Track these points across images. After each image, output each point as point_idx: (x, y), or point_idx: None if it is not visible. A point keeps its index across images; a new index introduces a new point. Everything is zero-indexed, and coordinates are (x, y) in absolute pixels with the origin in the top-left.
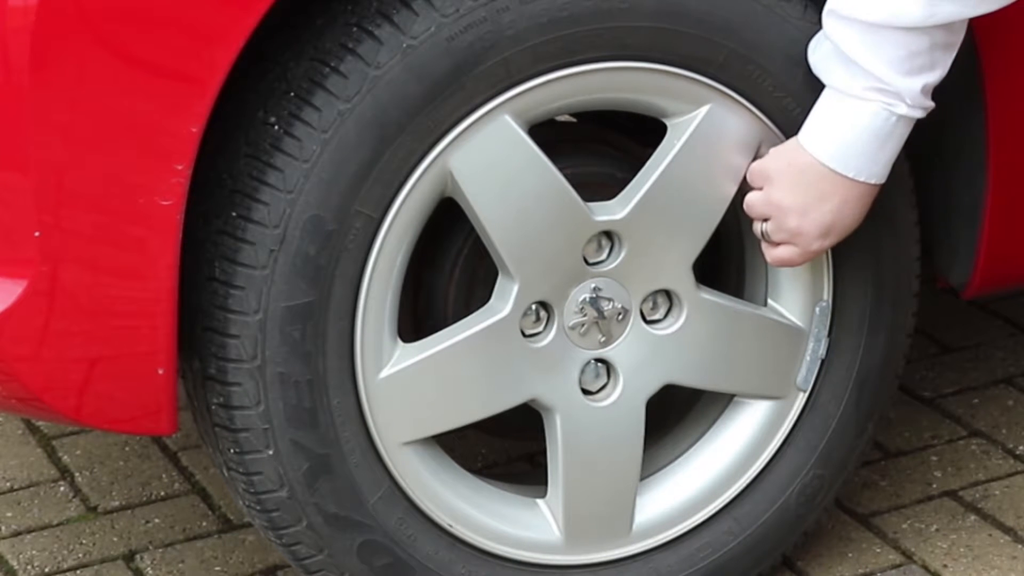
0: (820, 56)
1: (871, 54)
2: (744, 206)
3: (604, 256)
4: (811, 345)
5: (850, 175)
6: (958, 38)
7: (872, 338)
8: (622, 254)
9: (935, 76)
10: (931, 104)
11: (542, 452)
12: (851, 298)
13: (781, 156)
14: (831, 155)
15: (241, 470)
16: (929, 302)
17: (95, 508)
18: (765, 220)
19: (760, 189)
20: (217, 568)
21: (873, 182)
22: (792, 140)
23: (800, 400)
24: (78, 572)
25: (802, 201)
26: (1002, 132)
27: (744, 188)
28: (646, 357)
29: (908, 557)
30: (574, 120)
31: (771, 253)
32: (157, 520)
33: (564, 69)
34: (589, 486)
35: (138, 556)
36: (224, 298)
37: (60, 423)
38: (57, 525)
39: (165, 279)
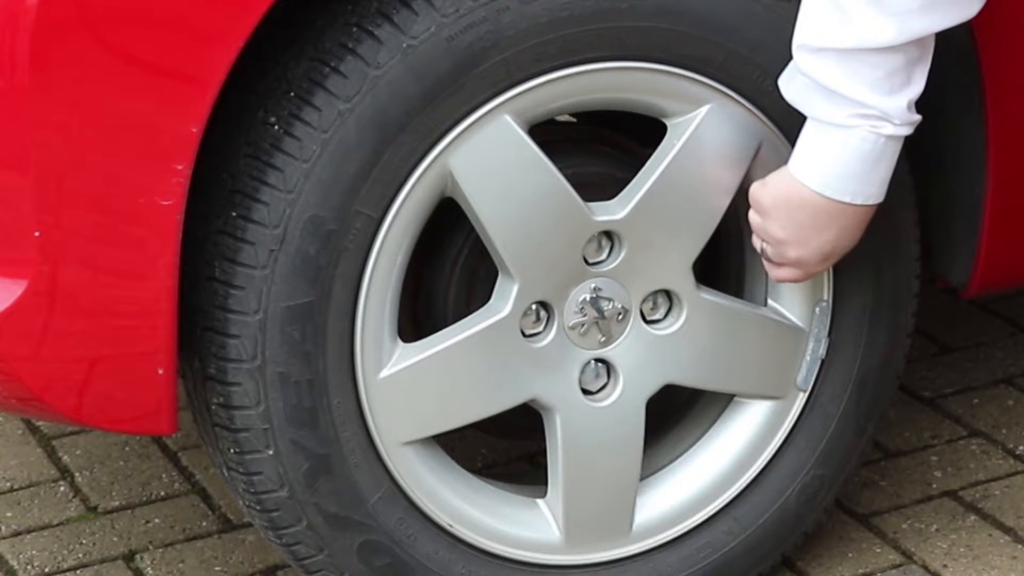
0: (796, 90)
1: (850, 80)
2: (751, 222)
3: (604, 256)
4: (811, 345)
5: (847, 200)
6: (930, 51)
7: (872, 338)
8: (622, 254)
9: (915, 90)
10: (917, 118)
11: (542, 452)
12: (851, 298)
13: (775, 187)
14: (824, 184)
15: (241, 470)
16: (929, 302)
17: (95, 508)
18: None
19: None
20: (217, 568)
21: (871, 203)
22: (784, 171)
23: (800, 400)
24: (78, 572)
25: (800, 235)
26: (1002, 132)
27: (744, 189)
28: (646, 357)
29: (908, 557)
30: (574, 120)
31: (773, 272)
32: (157, 520)
33: (564, 69)
34: (589, 486)
35: (138, 556)
36: (224, 298)
37: (60, 423)
38: (57, 525)
39: (165, 279)
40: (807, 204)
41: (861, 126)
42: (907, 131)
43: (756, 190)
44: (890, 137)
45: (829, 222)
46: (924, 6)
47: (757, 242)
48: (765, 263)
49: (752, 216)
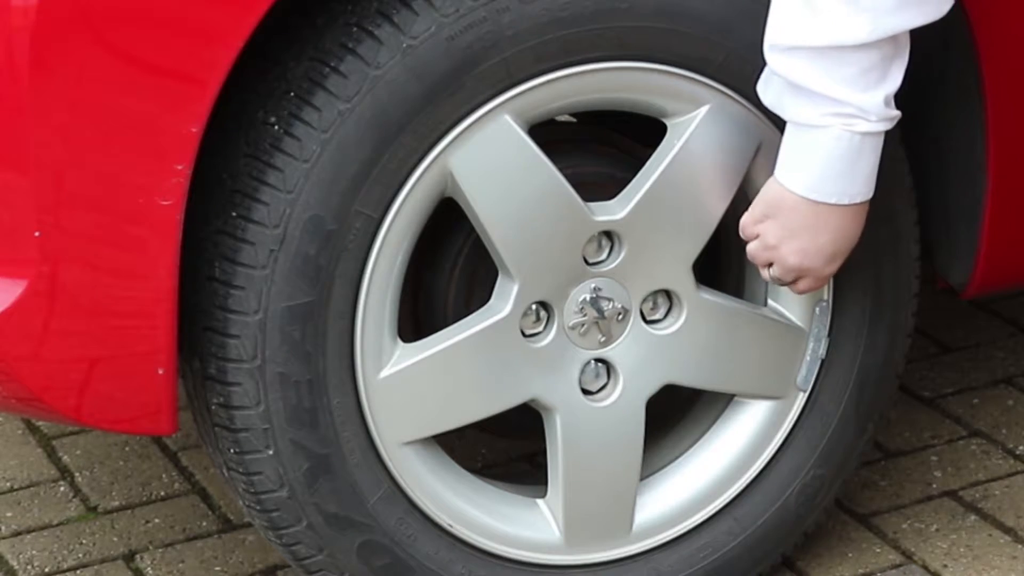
0: (772, 94)
1: (824, 78)
2: (748, 257)
3: (604, 256)
4: (811, 345)
5: (831, 201)
6: (906, 47)
7: (872, 338)
8: (622, 254)
9: (892, 86)
10: (896, 113)
11: (542, 452)
12: (851, 298)
13: (764, 201)
14: (808, 187)
15: (241, 470)
16: (929, 302)
17: (95, 508)
18: (770, 265)
19: (756, 237)
20: (217, 568)
21: (859, 201)
22: (770, 180)
23: (800, 400)
24: (78, 572)
25: (796, 241)
26: (1002, 132)
27: (744, 188)
28: (646, 357)
29: (908, 557)
30: (574, 120)
31: (793, 289)
32: (157, 520)
33: (564, 69)
34: (589, 486)
35: (138, 556)
36: (224, 298)
37: (60, 423)
38: (57, 525)
39: (165, 279)
40: (796, 209)
41: (835, 125)
42: (884, 127)
43: (744, 216)
44: (866, 134)
45: (821, 225)
46: (897, 4)
47: (764, 273)
48: (783, 287)
49: (750, 248)
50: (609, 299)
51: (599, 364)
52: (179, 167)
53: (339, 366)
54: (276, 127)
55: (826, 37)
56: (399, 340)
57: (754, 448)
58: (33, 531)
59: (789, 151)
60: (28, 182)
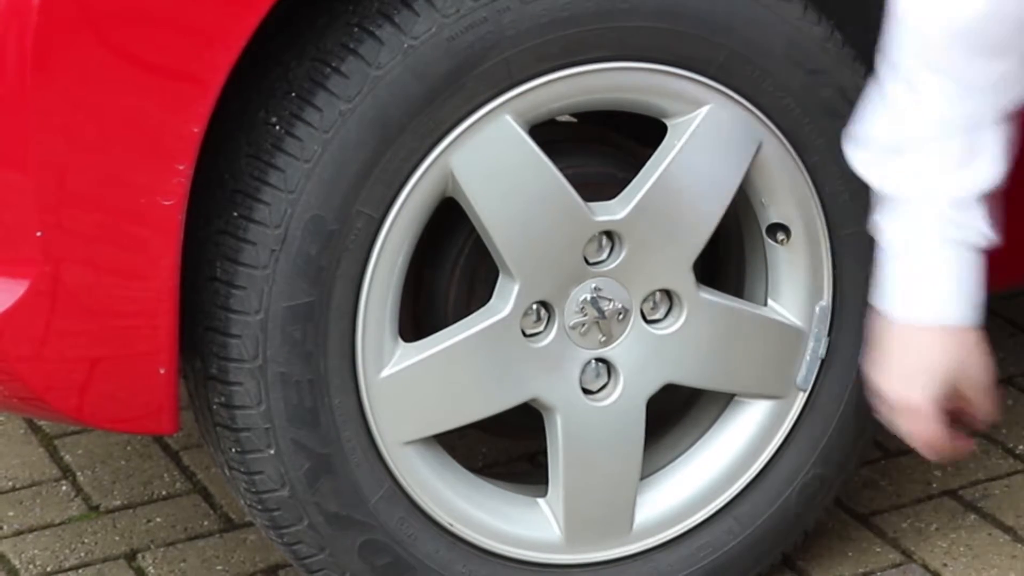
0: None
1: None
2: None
3: (604, 256)
4: (811, 345)
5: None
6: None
7: None
8: (622, 254)
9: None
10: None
11: (542, 452)
12: (851, 298)
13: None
14: (937, 312)
15: (242, 469)
16: None
17: (97, 507)
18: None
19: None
20: (219, 567)
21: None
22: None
23: (800, 400)
24: (80, 571)
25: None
26: None
27: (744, 188)
28: (646, 357)
29: (908, 556)
30: (574, 120)
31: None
32: (159, 519)
33: (565, 69)
34: (589, 485)
35: (140, 555)
36: (225, 298)
37: (62, 422)
38: (59, 524)
39: (166, 279)
40: (912, 340)
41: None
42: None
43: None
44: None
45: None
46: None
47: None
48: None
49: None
50: (609, 299)
51: (599, 364)
52: (180, 167)
53: (340, 366)
54: (277, 127)
55: None
56: (400, 340)
57: (754, 448)
58: (35, 530)
59: (903, 280)
60: (30, 182)
